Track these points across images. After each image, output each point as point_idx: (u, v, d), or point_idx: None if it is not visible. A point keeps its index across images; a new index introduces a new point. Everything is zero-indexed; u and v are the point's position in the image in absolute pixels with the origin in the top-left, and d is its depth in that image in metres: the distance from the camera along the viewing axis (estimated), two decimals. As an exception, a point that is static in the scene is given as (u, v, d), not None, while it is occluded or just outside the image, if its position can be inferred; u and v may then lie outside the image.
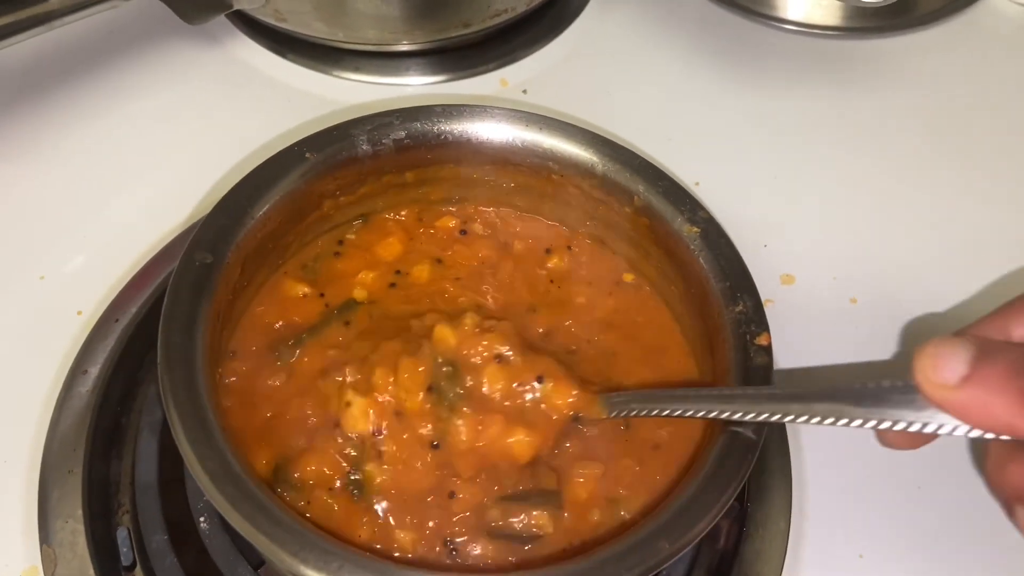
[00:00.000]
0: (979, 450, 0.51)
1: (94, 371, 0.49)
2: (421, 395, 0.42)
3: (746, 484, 0.46)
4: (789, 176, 0.64)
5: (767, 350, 0.41)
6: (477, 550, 0.40)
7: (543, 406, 0.43)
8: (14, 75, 0.64)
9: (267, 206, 0.44)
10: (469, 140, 0.48)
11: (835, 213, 0.62)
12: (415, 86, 0.67)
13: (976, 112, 0.68)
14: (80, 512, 0.45)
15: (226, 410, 0.42)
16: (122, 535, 0.45)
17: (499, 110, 0.48)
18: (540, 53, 0.70)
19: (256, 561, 0.43)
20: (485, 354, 0.44)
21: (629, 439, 0.43)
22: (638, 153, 0.48)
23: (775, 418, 0.37)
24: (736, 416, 0.38)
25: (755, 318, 0.42)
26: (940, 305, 0.57)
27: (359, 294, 0.48)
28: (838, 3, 0.68)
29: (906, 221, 0.62)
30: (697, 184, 0.61)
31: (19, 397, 0.49)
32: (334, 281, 0.48)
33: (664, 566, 0.35)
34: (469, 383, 0.43)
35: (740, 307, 0.42)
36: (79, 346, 0.50)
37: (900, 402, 0.35)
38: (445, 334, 0.44)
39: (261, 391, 0.43)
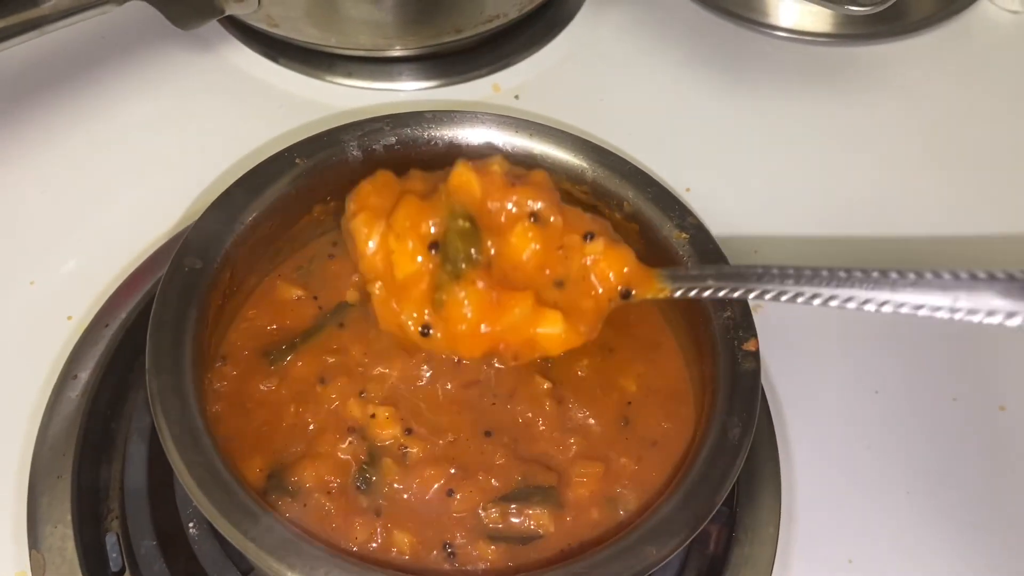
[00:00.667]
0: (967, 454, 0.52)
1: (84, 376, 0.49)
2: (411, 244, 0.37)
3: (735, 489, 0.46)
4: (780, 182, 0.64)
5: (755, 355, 0.41)
6: (476, 552, 0.39)
7: (591, 275, 0.38)
8: (5, 80, 0.64)
9: (257, 212, 0.44)
10: (460, 146, 0.48)
11: (826, 219, 0.62)
12: (407, 91, 0.67)
13: (967, 118, 0.69)
14: (69, 517, 0.45)
15: (216, 415, 0.42)
16: (111, 541, 0.45)
17: (489, 116, 0.48)
18: (532, 59, 0.70)
19: (245, 567, 0.43)
20: (515, 211, 0.37)
21: (629, 436, 0.43)
22: (628, 159, 0.48)
23: (904, 308, 0.33)
24: (834, 302, 0.34)
25: (743, 324, 0.42)
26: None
27: (352, 296, 0.48)
28: (829, 10, 0.68)
29: (897, 226, 0.62)
30: (688, 190, 0.61)
31: (9, 402, 0.49)
32: (328, 283, 0.48)
33: (651, 571, 0.35)
34: (490, 250, 0.37)
35: (728, 313, 0.42)
36: (69, 351, 0.50)
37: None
38: (467, 179, 0.37)
39: (253, 396, 0.43)
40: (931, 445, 0.52)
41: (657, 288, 0.39)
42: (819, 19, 0.73)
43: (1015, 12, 0.75)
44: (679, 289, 0.39)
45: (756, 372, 0.40)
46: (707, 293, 0.38)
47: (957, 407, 0.53)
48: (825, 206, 0.63)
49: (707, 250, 0.45)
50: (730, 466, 0.37)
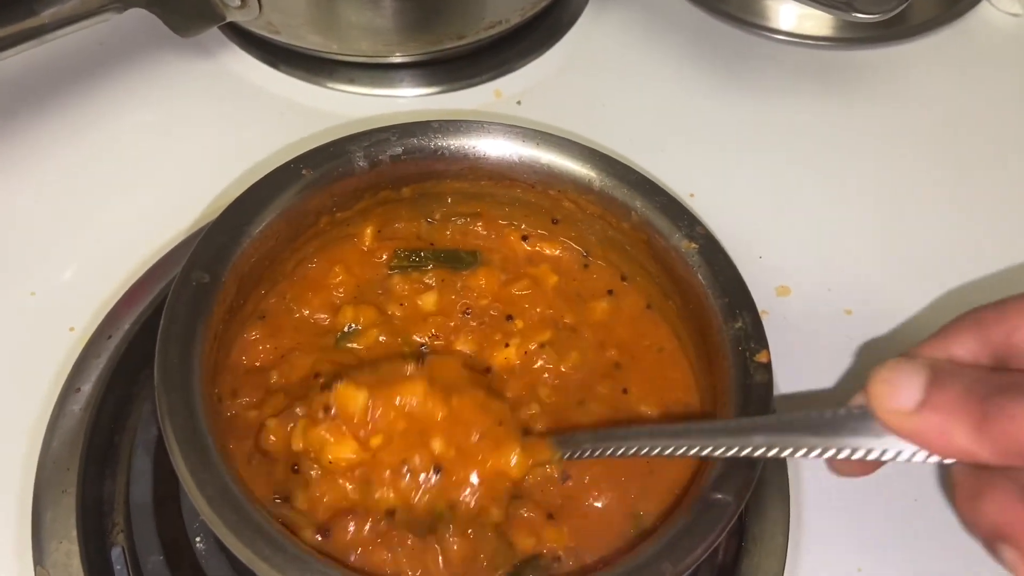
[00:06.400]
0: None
1: (87, 389, 0.49)
2: None
3: (744, 499, 0.46)
4: (784, 186, 0.64)
5: (767, 367, 0.41)
6: None
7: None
8: (4, 88, 0.63)
9: (264, 224, 0.43)
10: (466, 156, 0.48)
11: (829, 223, 0.62)
12: (409, 97, 0.67)
13: (968, 121, 0.69)
14: (74, 533, 0.44)
15: (223, 431, 0.41)
16: (117, 555, 0.45)
17: (496, 126, 0.48)
18: (534, 64, 0.70)
19: (254, 582, 0.43)
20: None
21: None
22: (634, 166, 0.48)
23: (732, 452, 0.36)
24: (692, 452, 0.37)
25: (754, 335, 0.42)
26: (935, 316, 0.58)
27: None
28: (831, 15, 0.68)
29: (900, 231, 0.62)
30: (692, 195, 0.61)
31: (11, 416, 0.49)
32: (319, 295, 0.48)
33: (666, 587, 0.35)
34: None
35: (739, 324, 0.42)
36: (72, 363, 0.50)
37: (856, 429, 0.35)
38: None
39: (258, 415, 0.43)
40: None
41: (551, 454, 0.41)
42: (819, 22, 0.73)
43: (1016, 15, 0.75)
44: (566, 453, 0.41)
45: (769, 385, 0.40)
46: (587, 455, 0.40)
47: (964, 414, 0.53)
48: (827, 208, 0.63)
49: (717, 260, 0.45)
50: (744, 480, 0.37)
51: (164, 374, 0.38)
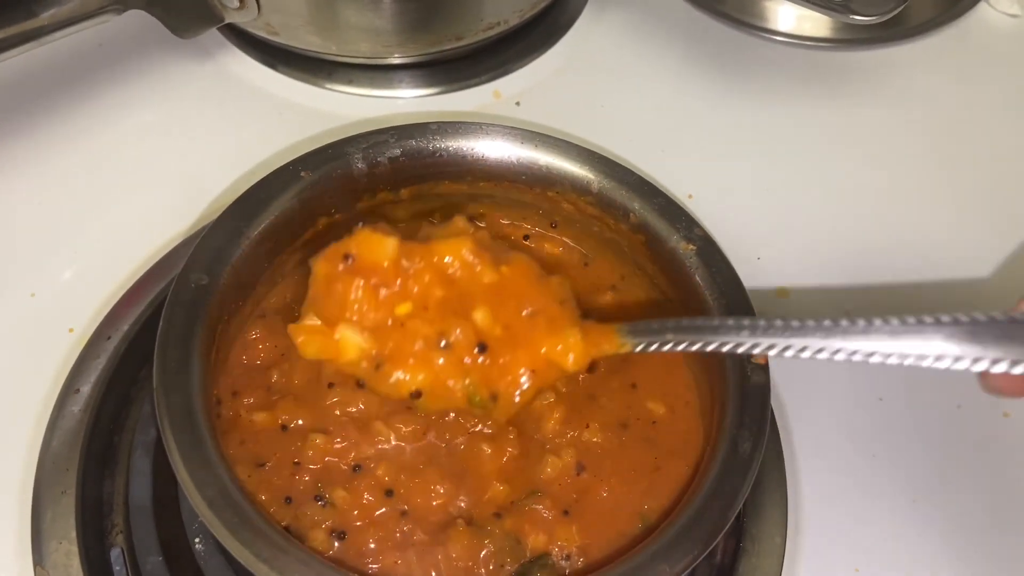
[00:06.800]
0: (972, 461, 0.52)
1: (86, 389, 0.49)
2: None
3: (742, 499, 0.46)
4: (782, 188, 0.64)
5: (764, 369, 0.41)
6: None
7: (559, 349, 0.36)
8: (4, 89, 0.63)
9: (262, 226, 0.44)
10: (465, 157, 0.48)
11: (828, 224, 0.62)
12: (408, 99, 0.67)
13: (967, 122, 0.69)
14: (74, 533, 0.44)
15: (223, 433, 0.41)
16: (116, 555, 0.45)
17: (495, 127, 0.48)
18: (533, 65, 0.70)
19: (253, 583, 0.43)
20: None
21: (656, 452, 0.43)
22: (632, 168, 0.48)
23: (859, 356, 0.32)
24: (806, 353, 0.33)
25: (752, 336, 0.42)
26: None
27: None
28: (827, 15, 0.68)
29: (898, 232, 0.62)
30: (690, 197, 0.61)
31: (11, 417, 0.49)
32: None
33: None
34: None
35: (737, 325, 0.42)
36: (71, 364, 0.50)
37: (1018, 338, 0.29)
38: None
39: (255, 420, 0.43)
40: (936, 452, 0.52)
41: (618, 344, 0.38)
42: (818, 24, 0.73)
43: (1015, 16, 0.75)
44: (639, 344, 0.37)
45: (766, 386, 0.40)
46: (667, 347, 0.37)
47: (962, 414, 0.53)
48: (826, 210, 0.63)
49: (714, 261, 0.45)
50: (741, 481, 0.37)
51: (163, 376, 0.38)
